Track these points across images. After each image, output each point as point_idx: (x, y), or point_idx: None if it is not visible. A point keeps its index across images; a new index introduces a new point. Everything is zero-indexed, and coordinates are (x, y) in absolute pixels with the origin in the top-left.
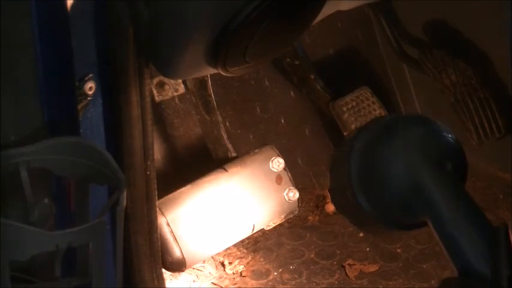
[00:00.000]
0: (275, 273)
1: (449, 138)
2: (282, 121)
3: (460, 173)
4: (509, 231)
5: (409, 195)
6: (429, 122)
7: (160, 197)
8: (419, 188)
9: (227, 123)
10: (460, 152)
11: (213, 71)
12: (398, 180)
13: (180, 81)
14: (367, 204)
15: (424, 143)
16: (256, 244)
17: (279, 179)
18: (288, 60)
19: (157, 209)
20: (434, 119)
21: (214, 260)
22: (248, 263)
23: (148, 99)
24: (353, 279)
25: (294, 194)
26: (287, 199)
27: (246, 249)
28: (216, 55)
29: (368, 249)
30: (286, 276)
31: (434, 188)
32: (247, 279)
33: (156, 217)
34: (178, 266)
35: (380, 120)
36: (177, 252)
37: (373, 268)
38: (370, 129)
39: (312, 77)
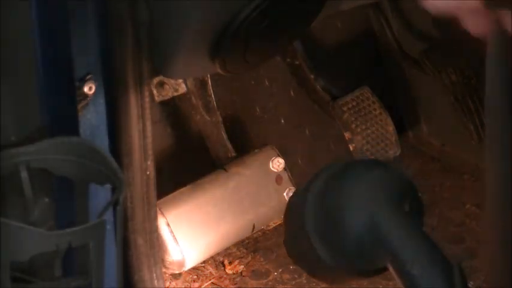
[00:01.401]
0: (275, 273)
1: (403, 179)
2: (282, 121)
3: (416, 212)
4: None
5: (368, 241)
6: (380, 166)
7: (160, 197)
8: (377, 232)
9: (227, 123)
10: (414, 191)
11: (213, 71)
12: (356, 227)
13: (180, 81)
14: (326, 253)
15: (378, 187)
16: (256, 244)
17: (279, 179)
18: (288, 60)
19: (157, 209)
20: (385, 162)
21: (214, 260)
22: (248, 263)
23: (148, 99)
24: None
25: None
26: (287, 199)
27: (246, 249)
28: (216, 55)
29: None
30: (286, 276)
31: (392, 231)
32: (247, 279)
33: (155, 217)
34: (178, 266)
35: (332, 168)
36: (177, 252)
37: None
38: (322, 178)
39: (312, 77)
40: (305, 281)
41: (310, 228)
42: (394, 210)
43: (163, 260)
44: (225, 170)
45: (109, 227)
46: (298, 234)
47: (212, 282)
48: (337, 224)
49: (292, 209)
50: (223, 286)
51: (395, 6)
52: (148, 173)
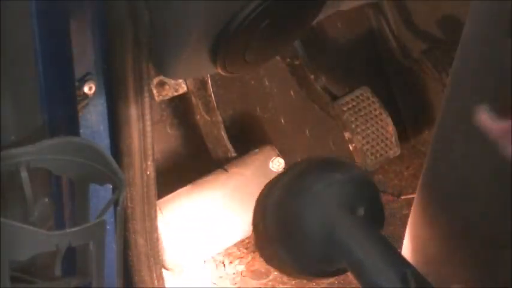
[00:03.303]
0: (275, 273)
1: (362, 182)
2: (282, 121)
3: (375, 215)
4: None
5: (324, 246)
6: (339, 168)
7: (160, 197)
8: (333, 235)
9: (227, 123)
10: (374, 193)
11: (213, 71)
12: (312, 233)
13: (180, 81)
14: (288, 256)
15: (332, 192)
16: None
17: None
18: (288, 60)
19: (157, 208)
20: (346, 161)
21: (214, 260)
22: (248, 263)
23: (147, 99)
24: (353, 279)
25: None
26: None
27: (246, 249)
28: (216, 55)
29: None
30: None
31: (346, 235)
32: (247, 279)
33: (156, 217)
34: (178, 266)
35: (288, 173)
36: (177, 252)
37: None
38: (280, 184)
39: (312, 77)
40: (305, 281)
41: (273, 236)
42: (349, 214)
43: (163, 260)
44: (225, 170)
45: (109, 227)
46: (265, 241)
47: (212, 282)
48: (296, 231)
49: (257, 216)
50: (223, 286)
51: (396, 6)
52: (148, 173)
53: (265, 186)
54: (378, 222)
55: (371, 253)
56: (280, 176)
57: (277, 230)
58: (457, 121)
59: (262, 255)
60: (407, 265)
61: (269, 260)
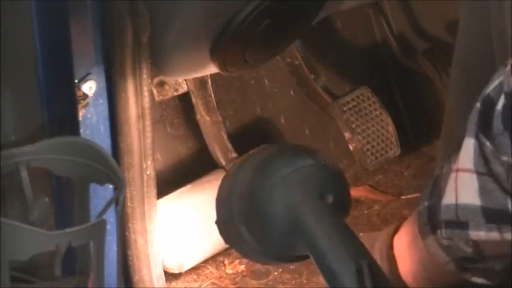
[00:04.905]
0: (275, 273)
1: (328, 170)
2: (282, 121)
3: (341, 203)
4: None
5: (289, 230)
6: (305, 156)
7: (160, 197)
8: (296, 222)
9: (227, 123)
10: (340, 182)
11: (213, 70)
12: (277, 216)
13: (180, 81)
14: (251, 238)
15: (301, 177)
16: None
17: None
18: (288, 60)
19: (157, 208)
20: (315, 149)
21: (214, 260)
22: (248, 262)
23: (147, 99)
24: None
25: None
26: None
27: None
28: (216, 55)
29: None
30: (286, 276)
31: (308, 222)
32: (248, 279)
33: (156, 217)
34: (178, 266)
35: (258, 154)
36: (177, 252)
37: None
38: (249, 164)
39: (312, 77)
40: (305, 281)
41: (237, 216)
42: (314, 201)
43: (163, 260)
44: (225, 170)
45: (109, 227)
46: (227, 220)
47: (212, 282)
48: (261, 212)
49: (222, 194)
50: (223, 286)
51: (396, 6)
52: (148, 173)
53: (233, 165)
54: (344, 211)
55: (332, 240)
56: (250, 156)
57: (242, 209)
58: None
59: (222, 233)
60: (365, 256)
61: (228, 239)
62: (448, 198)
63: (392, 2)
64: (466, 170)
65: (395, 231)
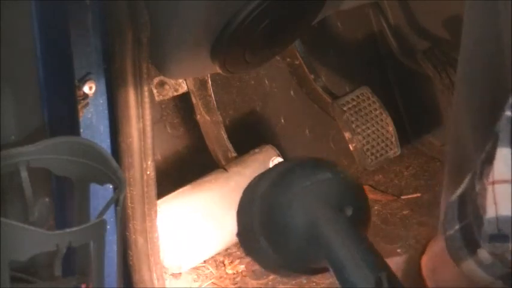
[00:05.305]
0: None
1: (348, 183)
2: (282, 121)
3: (362, 217)
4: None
5: (308, 243)
6: (326, 168)
7: (160, 197)
8: (315, 234)
9: (227, 123)
10: (360, 195)
11: (213, 70)
12: (296, 228)
13: (180, 81)
14: (271, 251)
15: (320, 189)
16: None
17: None
18: (288, 60)
19: (157, 208)
20: (334, 162)
21: (214, 260)
22: (248, 262)
23: (147, 99)
24: None
25: None
26: None
27: None
28: (216, 55)
29: None
30: None
31: (327, 234)
32: (248, 279)
33: (156, 217)
34: (178, 266)
35: (278, 167)
36: (177, 252)
37: None
38: (269, 176)
39: (312, 77)
40: (305, 281)
41: (257, 228)
42: (333, 214)
43: (163, 260)
44: (225, 169)
45: (109, 227)
46: (248, 232)
47: (212, 282)
48: (280, 224)
49: (242, 206)
50: (223, 286)
51: (396, 6)
52: (148, 173)
53: (254, 178)
54: (364, 224)
55: (352, 252)
56: (270, 169)
57: (262, 221)
58: None
59: (242, 245)
60: (385, 268)
61: (249, 250)
62: (489, 212)
63: (392, 2)
64: (504, 181)
65: (420, 255)
